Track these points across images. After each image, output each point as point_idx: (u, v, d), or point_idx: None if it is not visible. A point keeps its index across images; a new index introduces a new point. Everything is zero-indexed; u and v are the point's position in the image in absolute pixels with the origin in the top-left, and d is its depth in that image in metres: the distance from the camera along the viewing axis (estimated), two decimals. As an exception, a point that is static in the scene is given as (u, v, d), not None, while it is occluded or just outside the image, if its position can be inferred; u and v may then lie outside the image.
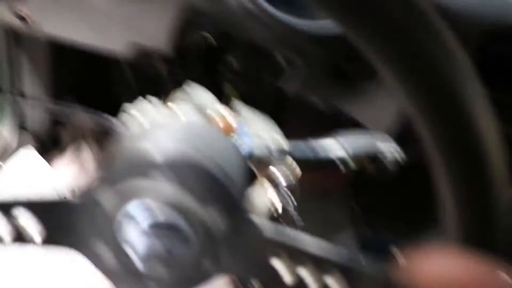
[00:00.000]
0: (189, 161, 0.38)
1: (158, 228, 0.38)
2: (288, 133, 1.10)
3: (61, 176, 1.30)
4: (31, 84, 1.21)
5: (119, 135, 0.45)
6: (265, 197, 0.65)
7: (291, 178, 0.65)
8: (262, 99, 1.21)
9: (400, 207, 1.19)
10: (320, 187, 1.15)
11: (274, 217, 0.65)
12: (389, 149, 0.57)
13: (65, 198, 0.39)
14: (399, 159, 0.57)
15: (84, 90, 1.48)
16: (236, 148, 0.50)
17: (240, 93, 1.07)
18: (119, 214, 0.38)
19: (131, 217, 0.38)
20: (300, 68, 0.75)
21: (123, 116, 0.57)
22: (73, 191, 0.39)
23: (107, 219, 0.39)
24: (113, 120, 0.57)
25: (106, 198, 0.38)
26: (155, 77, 1.29)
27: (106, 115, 0.58)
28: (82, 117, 1.43)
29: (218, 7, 0.66)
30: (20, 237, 0.39)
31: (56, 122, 1.42)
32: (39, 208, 0.39)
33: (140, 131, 0.42)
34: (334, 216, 1.19)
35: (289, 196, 0.66)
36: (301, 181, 0.69)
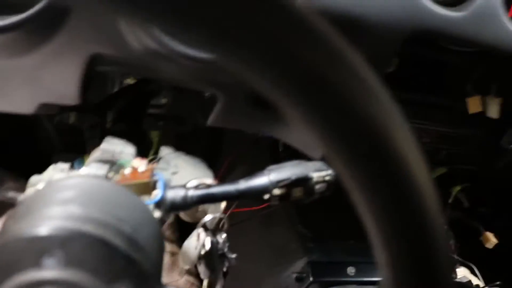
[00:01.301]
0: (87, 239, 0.32)
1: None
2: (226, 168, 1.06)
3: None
4: None
5: (9, 216, 0.38)
6: (196, 243, 0.61)
7: (221, 218, 0.62)
8: (199, 139, 1.17)
9: (348, 224, 1.16)
10: (263, 214, 1.11)
11: (208, 261, 0.62)
12: (319, 173, 0.53)
13: None
14: (331, 182, 0.54)
15: (9, 153, 1.38)
16: (147, 209, 0.44)
17: (174, 135, 1.02)
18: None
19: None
20: (223, 102, 0.71)
21: (28, 189, 0.50)
22: None
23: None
24: (14, 194, 0.50)
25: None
26: (79, 131, 1.22)
27: (4, 191, 0.50)
28: (17, 180, 1.33)
29: (123, 51, 0.61)
30: None
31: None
32: None
33: (30, 207, 0.36)
34: (281, 240, 1.15)
35: (221, 237, 0.62)
36: (243, 213, 0.65)
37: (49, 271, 0.32)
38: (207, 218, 0.60)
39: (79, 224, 0.33)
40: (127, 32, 0.59)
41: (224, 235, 0.62)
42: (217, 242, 0.61)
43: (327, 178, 0.53)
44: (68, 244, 0.32)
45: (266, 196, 0.52)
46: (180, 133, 1.03)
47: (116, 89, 1.06)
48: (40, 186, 0.49)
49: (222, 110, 0.72)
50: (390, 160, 0.23)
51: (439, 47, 0.77)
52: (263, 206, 1.05)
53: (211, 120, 0.75)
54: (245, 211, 1.02)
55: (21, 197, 0.50)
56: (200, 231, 0.60)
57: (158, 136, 0.96)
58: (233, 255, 0.62)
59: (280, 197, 0.52)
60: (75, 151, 1.38)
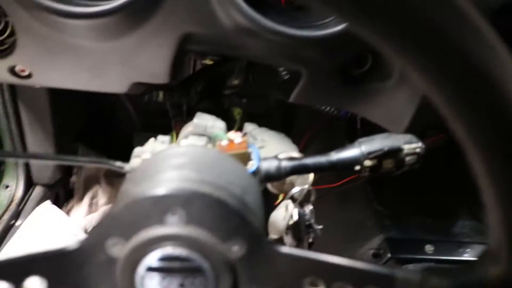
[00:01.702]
0: (205, 199, 0.35)
1: (169, 261, 0.35)
2: (304, 144, 1.07)
3: (81, 225, 1.28)
4: (34, 138, 1.18)
5: (127, 181, 0.41)
6: (284, 213, 0.63)
7: (309, 190, 0.63)
8: (272, 116, 1.19)
9: (425, 202, 1.15)
10: (339, 192, 1.12)
11: (295, 232, 0.63)
12: (410, 145, 0.53)
13: (68, 248, 0.36)
14: (421, 154, 0.54)
15: (90, 134, 1.47)
16: (251, 175, 0.46)
17: (249, 114, 1.05)
18: (138, 269, 0.35)
19: (151, 270, 0.35)
20: (307, 79, 0.72)
21: (133, 159, 0.54)
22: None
23: (125, 276, 0.36)
24: (121, 164, 0.54)
25: (120, 252, 0.35)
26: (160, 111, 1.28)
27: (112, 161, 0.54)
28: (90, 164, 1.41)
29: (214, 30, 0.63)
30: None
31: (68, 172, 1.40)
32: (41, 264, 0.36)
33: (148, 172, 0.39)
34: (357, 217, 1.15)
35: (308, 208, 0.64)
36: (320, 190, 0.66)
37: (172, 227, 0.35)
38: (295, 190, 0.62)
39: (197, 185, 0.35)
40: (220, 10, 0.62)
41: (311, 207, 0.63)
42: (304, 213, 0.63)
43: (417, 150, 0.53)
44: (188, 204, 0.34)
45: (357, 168, 0.53)
46: (259, 110, 1.05)
47: (195, 70, 1.10)
48: (146, 156, 0.53)
49: (306, 87, 0.73)
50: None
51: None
52: (341, 183, 1.06)
53: (293, 97, 0.76)
54: (322, 188, 1.04)
55: (128, 166, 0.53)
56: (288, 202, 0.62)
57: (239, 113, 0.99)
58: (319, 226, 0.64)
59: (371, 168, 0.52)
60: (154, 131, 1.44)
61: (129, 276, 0.36)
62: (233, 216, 0.35)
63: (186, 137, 0.62)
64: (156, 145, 0.55)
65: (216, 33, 0.64)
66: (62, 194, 1.37)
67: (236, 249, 0.35)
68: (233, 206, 0.35)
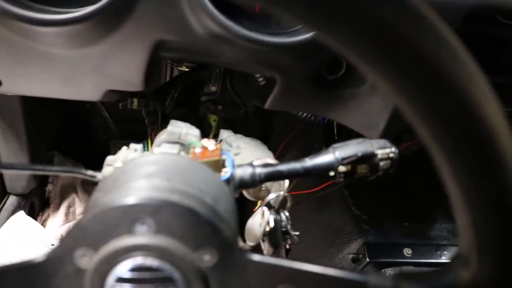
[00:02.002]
0: (175, 208, 0.34)
1: (140, 271, 0.34)
2: (281, 150, 1.08)
3: (57, 235, 1.26)
4: (6, 147, 1.16)
5: (97, 190, 0.41)
6: (261, 220, 0.62)
7: (285, 196, 0.63)
8: (249, 123, 1.19)
9: (402, 206, 1.17)
10: (317, 197, 1.13)
11: (272, 238, 0.63)
12: (383, 150, 0.54)
13: (34, 260, 0.35)
14: (394, 159, 0.54)
15: (67, 142, 1.45)
16: (224, 183, 0.46)
17: (225, 120, 1.05)
18: (107, 281, 0.34)
19: (122, 280, 0.34)
20: (281, 85, 0.72)
21: (105, 168, 0.53)
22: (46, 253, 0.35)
23: (95, 287, 0.35)
24: (93, 173, 0.53)
25: (89, 263, 0.35)
26: (136, 118, 1.27)
27: (84, 170, 0.53)
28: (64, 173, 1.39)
29: (187, 37, 0.63)
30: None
31: (44, 180, 1.38)
32: (6, 277, 0.35)
33: (118, 181, 0.38)
34: (335, 222, 1.16)
35: (284, 214, 0.64)
36: (297, 195, 0.67)
37: (141, 237, 0.34)
38: (271, 196, 0.62)
39: (167, 194, 0.35)
40: (192, 18, 0.61)
41: (287, 213, 0.63)
42: (281, 220, 0.62)
43: (391, 155, 0.54)
44: (158, 213, 0.34)
45: (332, 173, 0.53)
46: (236, 117, 1.05)
47: (171, 77, 1.09)
48: (118, 164, 0.52)
49: (280, 93, 0.73)
50: (478, 123, 0.24)
51: (499, 22, 0.76)
52: (318, 188, 1.07)
53: (269, 104, 0.76)
54: (300, 194, 1.04)
55: (100, 174, 0.52)
56: (264, 209, 0.62)
57: (215, 120, 0.99)
58: (296, 233, 0.64)
59: (345, 174, 0.52)
60: (131, 138, 1.43)
61: (98, 287, 0.35)
62: (203, 225, 0.35)
63: (159, 145, 0.62)
64: (129, 153, 0.55)
65: (189, 40, 0.64)
66: (38, 203, 1.35)
67: (207, 258, 0.35)
68: (204, 215, 0.35)
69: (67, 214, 1.38)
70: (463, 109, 0.24)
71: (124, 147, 0.58)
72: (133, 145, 0.55)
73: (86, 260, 0.35)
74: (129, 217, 0.34)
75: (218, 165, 0.51)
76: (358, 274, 0.33)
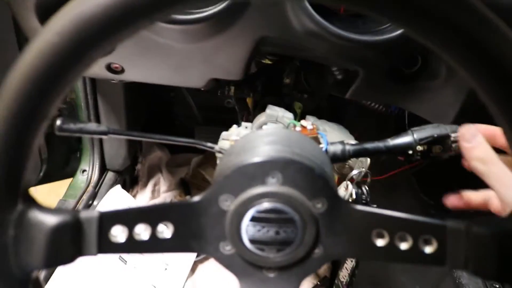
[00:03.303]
0: (297, 165, 0.45)
1: (268, 213, 0.45)
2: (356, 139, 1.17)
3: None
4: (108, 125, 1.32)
5: (227, 155, 0.52)
6: (344, 192, 0.72)
7: (366, 173, 0.73)
8: (324, 110, 1.29)
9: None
10: (386, 183, 1.20)
11: None
12: (456, 134, 0.62)
13: (191, 200, 0.46)
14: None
15: (154, 127, 1.61)
16: (324, 152, 0.56)
17: (305, 107, 1.15)
18: (244, 219, 0.46)
19: (254, 220, 0.45)
20: (364, 77, 0.81)
21: (221, 141, 0.65)
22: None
23: (232, 224, 0.46)
24: (211, 144, 0.65)
25: (229, 206, 0.46)
26: (217, 107, 1.39)
27: (204, 142, 0.65)
28: (161, 149, 1.54)
29: (286, 34, 0.74)
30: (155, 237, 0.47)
31: (135, 160, 1.53)
32: (170, 212, 0.46)
33: (247, 147, 0.50)
34: (403, 207, 1.23)
35: (365, 189, 0.73)
36: (373, 175, 0.76)
37: (271, 186, 0.45)
38: (354, 172, 0.72)
39: (290, 155, 0.46)
40: (293, 18, 0.72)
41: (367, 188, 0.73)
42: (362, 193, 0.72)
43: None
44: (285, 169, 0.45)
45: (410, 152, 0.62)
46: (313, 106, 1.15)
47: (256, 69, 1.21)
48: (234, 138, 0.64)
49: (362, 84, 0.83)
50: None
51: None
52: (388, 175, 1.15)
53: (350, 94, 0.86)
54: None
55: (217, 146, 0.64)
56: (348, 183, 0.72)
57: (300, 107, 1.09)
58: (374, 205, 0.74)
59: (422, 152, 0.62)
60: (212, 125, 1.56)
61: (236, 224, 0.46)
62: (318, 179, 0.45)
63: (260, 125, 0.73)
64: (241, 130, 0.66)
65: (288, 37, 0.75)
66: (128, 180, 1.51)
67: (319, 206, 0.45)
68: (318, 172, 0.45)
69: (153, 191, 1.53)
70: None
71: (234, 126, 0.70)
72: (244, 123, 0.67)
73: (228, 204, 0.46)
74: (262, 171, 0.45)
75: (316, 141, 0.62)
76: (438, 219, 0.43)
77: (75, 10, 0.34)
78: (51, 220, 0.42)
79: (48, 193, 1.88)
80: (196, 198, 0.47)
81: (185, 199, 0.53)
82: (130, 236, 0.45)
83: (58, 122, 0.57)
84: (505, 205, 0.54)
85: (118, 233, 0.45)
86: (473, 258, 0.41)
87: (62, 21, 0.35)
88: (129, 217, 0.46)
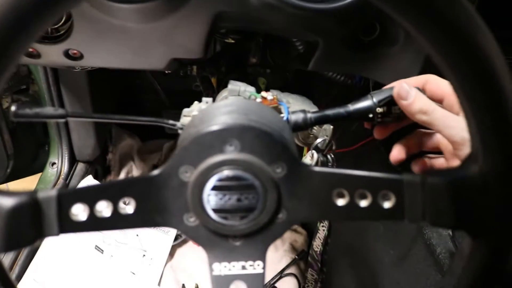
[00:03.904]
0: (254, 131, 0.45)
1: (229, 181, 0.45)
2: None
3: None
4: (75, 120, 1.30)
5: (187, 127, 0.52)
6: (310, 161, 0.73)
7: (330, 141, 0.73)
8: (292, 86, 1.29)
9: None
10: (355, 154, 1.22)
11: None
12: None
13: (151, 174, 0.46)
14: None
15: (121, 114, 1.59)
16: (282, 118, 0.57)
17: (270, 82, 1.15)
18: (205, 189, 0.46)
19: (215, 189, 0.46)
20: (323, 48, 0.82)
21: (182, 118, 0.64)
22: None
23: (194, 195, 0.46)
24: (173, 122, 0.64)
25: (190, 177, 0.46)
26: (184, 90, 1.39)
27: (166, 120, 0.65)
28: (132, 137, 1.53)
29: (242, 7, 0.74)
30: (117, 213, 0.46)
31: (105, 150, 1.52)
32: (130, 187, 0.46)
33: (205, 117, 0.50)
34: (368, 164, 1.25)
35: (330, 157, 0.74)
36: (337, 153, 0.77)
37: (230, 154, 0.45)
38: (318, 140, 0.72)
39: (247, 122, 0.46)
40: (248, -11, 0.72)
41: (332, 155, 0.74)
42: (328, 161, 0.73)
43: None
44: (242, 136, 0.45)
45: (370, 115, 0.63)
46: (280, 82, 1.15)
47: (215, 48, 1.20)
48: (195, 113, 0.64)
49: (322, 55, 0.83)
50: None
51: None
52: (356, 146, 1.17)
53: (312, 65, 0.87)
54: (339, 152, 1.14)
55: (179, 123, 0.64)
56: (313, 152, 0.73)
57: (264, 83, 1.10)
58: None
59: (382, 114, 0.62)
60: (179, 108, 1.55)
61: (198, 195, 0.46)
62: (276, 144, 0.45)
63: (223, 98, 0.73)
64: (201, 105, 0.66)
65: (244, 10, 0.75)
66: (100, 170, 1.50)
67: (279, 170, 0.46)
68: (276, 137, 0.46)
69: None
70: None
71: (196, 102, 0.70)
72: (204, 99, 0.67)
73: (188, 175, 0.46)
74: (220, 139, 0.45)
75: (277, 111, 0.62)
76: (395, 174, 0.44)
77: None
78: (7, 202, 0.42)
79: (22, 188, 1.86)
80: (156, 172, 0.47)
81: (145, 174, 0.52)
82: (92, 214, 0.45)
83: (13, 108, 0.56)
84: (456, 144, 0.56)
85: (79, 212, 0.45)
86: (430, 209, 0.42)
87: None
88: (89, 195, 0.45)
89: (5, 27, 0.33)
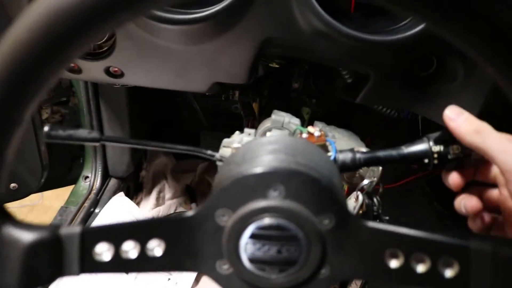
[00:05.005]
0: (302, 177, 0.41)
1: (270, 230, 0.41)
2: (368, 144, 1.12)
3: (149, 217, 1.37)
4: (112, 133, 1.29)
5: (226, 163, 0.48)
6: (355, 203, 0.68)
7: (377, 183, 0.68)
8: (334, 115, 1.24)
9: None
10: (399, 192, 1.16)
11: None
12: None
13: (184, 215, 0.42)
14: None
15: (159, 132, 1.57)
16: (332, 161, 0.52)
17: (314, 112, 1.11)
18: (242, 236, 0.41)
19: (254, 237, 0.41)
20: (375, 80, 0.77)
21: (222, 149, 0.60)
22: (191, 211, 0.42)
23: (230, 242, 0.42)
24: (212, 152, 0.60)
25: (227, 221, 0.41)
26: (223, 112, 1.36)
27: (204, 150, 0.61)
28: (166, 155, 1.51)
29: (292, 34, 0.70)
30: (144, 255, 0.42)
31: (139, 167, 1.50)
32: (161, 228, 0.42)
33: (248, 156, 0.45)
34: (417, 216, 1.18)
35: (376, 200, 0.69)
36: (386, 182, 0.71)
37: (274, 201, 0.41)
38: (365, 182, 0.67)
39: (294, 165, 0.41)
40: (299, 17, 0.68)
41: (378, 198, 0.68)
42: (373, 204, 0.68)
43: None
44: (288, 181, 0.40)
45: (426, 161, 0.57)
46: (323, 111, 1.11)
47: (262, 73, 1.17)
48: (236, 145, 0.60)
49: (374, 88, 0.78)
50: None
51: None
52: (401, 182, 1.10)
53: (360, 98, 0.82)
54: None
55: (218, 154, 0.60)
56: (358, 193, 0.67)
57: (308, 113, 1.05)
58: (386, 217, 0.69)
59: (439, 154, 0.56)
60: (218, 130, 1.53)
61: (234, 242, 0.42)
62: (325, 193, 0.41)
63: (265, 131, 0.69)
64: (243, 136, 0.62)
65: (294, 37, 0.70)
66: (132, 187, 1.47)
67: (326, 222, 0.41)
68: (325, 185, 0.41)
69: (157, 198, 1.50)
70: None
71: (237, 132, 0.66)
72: (247, 130, 0.63)
73: (225, 219, 0.42)
74: (264, 183, 0.41)
75: (324, 148, 0.57)
76: (460, 239, 0.38)
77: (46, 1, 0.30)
78: (27, 237, 0.38)
79: (57, 197, 1.87)
80: (190, 213, 0.43)
81: (178, 214, 0.49)
82: (117, 254, 0.41)
83: (46, 128, 0.53)
84: (508, 174, 0.47)
85: (103, 251, 0.41)
86: (501, 284, 0.36)
87: (33, 14, 0.30)
88: (115, 234, 0.42)
89: (56, 40, 0.30)
